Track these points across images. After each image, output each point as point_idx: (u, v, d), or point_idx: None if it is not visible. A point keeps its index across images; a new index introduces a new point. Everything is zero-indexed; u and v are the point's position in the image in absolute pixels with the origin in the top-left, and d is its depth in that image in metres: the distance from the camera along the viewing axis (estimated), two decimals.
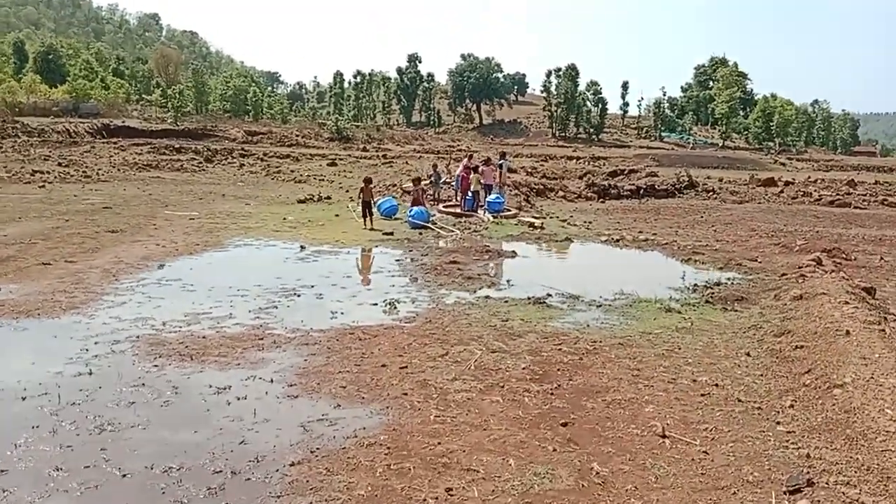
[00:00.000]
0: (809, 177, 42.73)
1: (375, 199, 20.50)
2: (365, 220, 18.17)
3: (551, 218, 22.77)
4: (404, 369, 7.04)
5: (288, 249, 14.68)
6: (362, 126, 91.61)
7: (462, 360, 7.39)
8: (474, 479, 4.82)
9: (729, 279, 12.64)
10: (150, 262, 12.72)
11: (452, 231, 18.07)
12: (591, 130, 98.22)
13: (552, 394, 6.50)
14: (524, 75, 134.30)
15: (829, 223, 24.34)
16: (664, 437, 5.58)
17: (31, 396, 6.11)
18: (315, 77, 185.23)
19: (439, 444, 5.37)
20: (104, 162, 36.86)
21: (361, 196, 18.60)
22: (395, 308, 9.75)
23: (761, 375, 7.10)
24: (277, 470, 4.88)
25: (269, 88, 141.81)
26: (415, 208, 18.83)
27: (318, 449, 5.23)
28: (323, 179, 34.16)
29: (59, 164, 33.89)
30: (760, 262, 14.64)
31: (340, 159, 42.33)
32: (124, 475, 4.78)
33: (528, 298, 10.48)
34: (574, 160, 54.43)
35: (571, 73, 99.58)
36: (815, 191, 33.95)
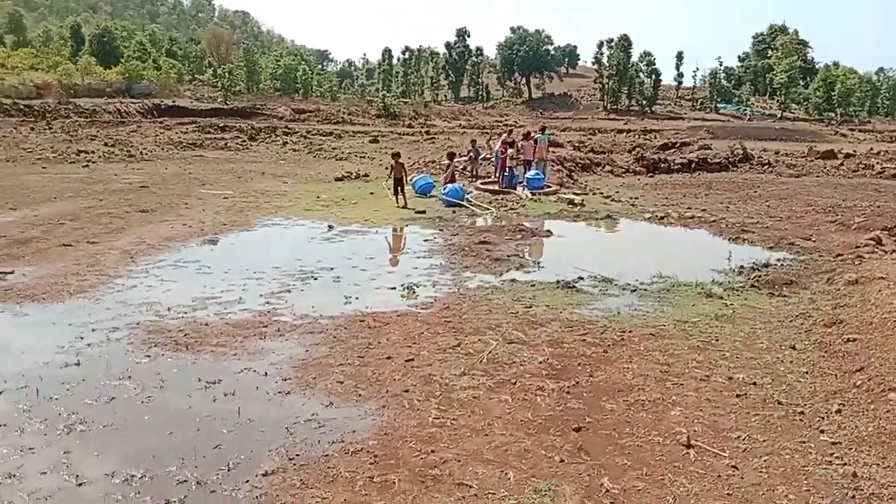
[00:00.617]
0: (872, 148, 40.53)
1: (410, 177, 19.97)
2: (397, 198, 17.65)
3: (594, 194, 21.89)
4: (410, 362, 6.50)
5: (315, 229, 14.28)
6: (410, 102, 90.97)
7: (475, 351, 6.81)
8: (464, 496, 4.27)
9: (779, 260, 11.74)
10: (173, 242, 12.45)
11: (487, 209, 17.42)
12: (644, 103, 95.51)
13: (568, 392, 5.88)
14: (575, 47, 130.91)
15: (891, 198, 22.82)
16: (689, 446, 4.93)
17: (9, 390, 5.78)
18: (364, 54, 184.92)
19: (433, 451, 4.82)
20: (149, 141, 37.17)
21: (392, 173, 18.04)
22: (414, 293, 9.22)
23: (807, 373, 6.34)
24: (248, 481, 4.41)
25: (319, 66, 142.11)
26: (449, 186, 18.23)
27: (297, 456, 4.74)
28: (364, 156, 33.76)
29: (105, 144, 34.27)
30: (814, 241, 13.64)
31: (383, 136, 41.88)
32: (80, 484, 4.37)
33: (557, 282, 9.83)
34: (624, 133, 52.92)
35: (624, 43, 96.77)
36: (878, 163, 32.13)
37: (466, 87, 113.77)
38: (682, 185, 27.26)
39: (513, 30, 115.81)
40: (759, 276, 10.20)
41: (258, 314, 8.06)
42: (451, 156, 21.61)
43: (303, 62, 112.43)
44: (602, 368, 6.44)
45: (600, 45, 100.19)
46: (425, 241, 13.28)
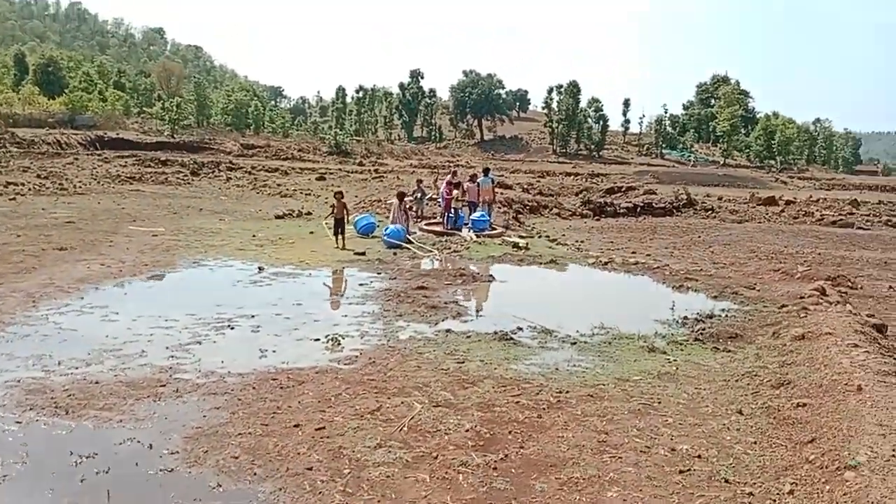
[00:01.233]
0: (811, 196, 41.51)
1: (353, 216, 19.33)
2: (337, 239, 16.96)
3: (540, 237, 21.54)
4: (320, 431, 5.77)
5: (244, 271, 13.46)
6: (363, 140, 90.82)
7: (396, 417, 6.12)
8: None
9: (723, 310, 11.37)
10: (84, 284, 11.50)
11: (430, 251, 16.84)
12: (592, 147, 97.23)
13: (495, 469, 5.23)
14: (526, 91, 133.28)
15: (831, 245, 23.11)
16: None
17: None
18: (318, 92, 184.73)
19: None
20: (86, 174, 35.79)
21: (333, 213, 17.36)
22: (339, 345, 8.50)
23: (755, 443, 5.81)
24: None
25: (272, 103, 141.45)
26: (391, 227, 17.60)
27: None
28: (310, 194, 32.99)
29: (38, 176, 32.79)
30: (759, 291, 13.37)
31: (331, 173, 41.24)
32: None
33: (495, 333, 9.22)
34: (572, 176, 53.31)
35: (573, 89, 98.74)
36: (817, 210, 32.76)
37: (420, 128, 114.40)
38: (627, 228, 27.21)
39: (465, 73, 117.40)
40: (703, 329, 9.76)
41: (159, 370, 7.23)
42: (400, 196, 21.00)
43: (255, 98, 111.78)
44: (534, 437, 5.81)
45: (550, 91, 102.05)
46: (360, 285, 12.59)
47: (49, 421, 5.84)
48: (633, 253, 20.06)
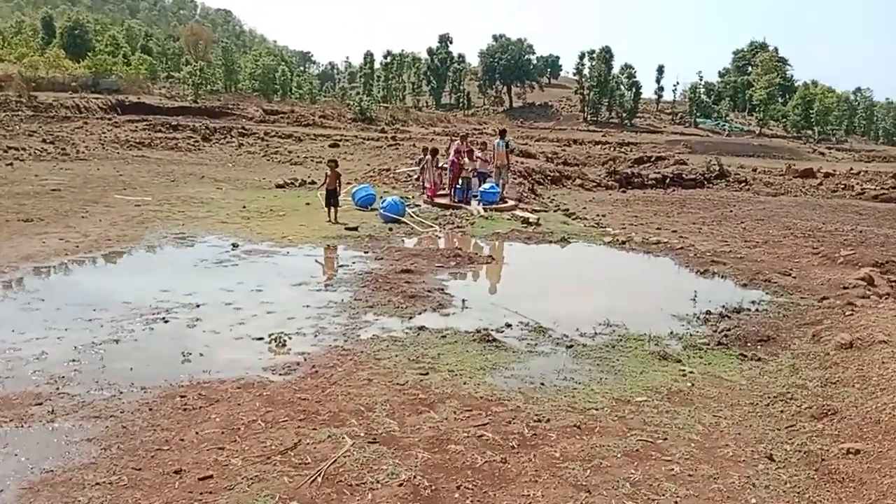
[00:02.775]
0: (851, 168, 39.04)
1: (351, 187, 17.87)
2: (329, 212, 15.53)
3: (556, 211, 19.91)
4: (205, 482, 4.35)
5: (215, 248, 12.11)
6: (389, 107, 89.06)
7: (314, 460, 4.68)
8: None
9: (754, 303, 9.72)
10: (27, 263, 10.23)
11: (430, 226, 15.34)
12: (624, 115, 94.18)
13: None
14: (557, 58, 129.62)
15: (873, 221, 21.17)
16: None
17: None
18: (347, 57, 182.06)
19: None
20: (93, 139, 34.71)
21: (325, 184, 15.89)
22: (283, 346, 7.07)
23: None
24: None
25: (301, 68, 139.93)
26: (388, 199, 16.08)
27: None
28: (320, 161, 31.46)
29: (44, 141, 31.81)
30: (795, 278, 11.67)
31: (346, 140, 39.71)
32: None
33: (476, 332, 7.72)
34: (600, 145, 51.15)
35: (605, 55, 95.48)
36: (858, 184, 30.60)
37: (448, 94, 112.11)
38: (654, 201, 25.43)
39: (495, 38, 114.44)
40: (729, 329, 8.15)
41: (45, 381, 5.88)
42: (433, 151, 19.22)
43: (282, 63, 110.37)
44: (491, 496, 4.33)
45: (582, 57, 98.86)
46: (339, 266, 11.16)
47: None
48: (658, 229, 18.40)
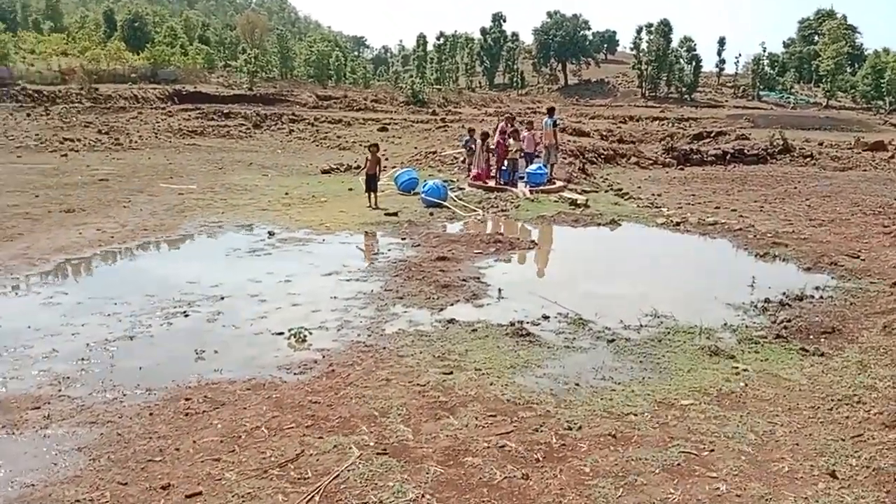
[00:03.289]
0: None
1: (394, 171, 17.44)
2: (369, 197, 15.15)
3: (607, 192, 19.09)
4: (192, 499, 3.97)
5: (251, 236, 11.87)
6: (442, 89, 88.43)
7: (314, 474, 4.26)
8: None
9: (818, 289, 8.91)
10: (60, 255, 10.13)
11: (474, 210, 14.81)
12: (684, 90, 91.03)
13: None
14: (614, 33, 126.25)
15: None
16: None
17: None
18: (401, 41, 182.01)
19: None
20: (147, 129, 35.18)
21: (366, 168, 15.50)
22: (303, 342, 6.69)
23: None
24: None
25: (355, 53, 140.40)
26: (429, 182, 15.58)
27: None
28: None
29: (99, 132, 32.34)
30: (864, 261, 10.74)
31: (395, 123, 39.29)
32: None
33: (510, 325, 7.20)
34: (658, 121, 49.50)
35: (664, 28, 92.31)
36: None
37: (501, 74, 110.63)
38: (713, 178, 24.30)
39: (549, 14, 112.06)
40: (789, 321, 7.40)
41: (49, 382, 5.62)
42: (484, 136, 18.62)
43: (336, 48, 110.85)
44: None
45: (639, 31, 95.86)
46: (375, 254, 10.74)
47: None
48: (716, 209, 17.47)
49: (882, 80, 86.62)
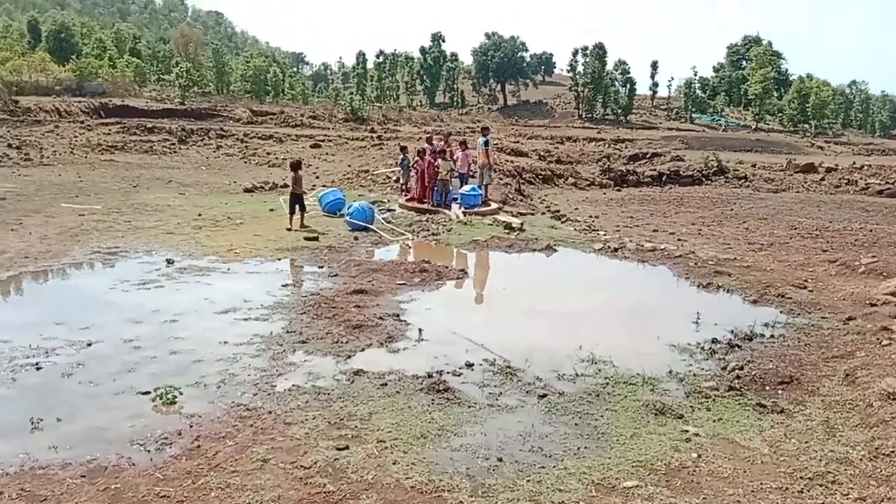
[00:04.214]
0: (854, 162, 37.44)
1: (316, 191, 16.28)
2: (291, 218, 13.99)
3: (544, 214, 18.33)
4: None
5: (146, 265, 10.53)
6: (383, 106, 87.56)
7: None
8: None
9: (767, 325, 8.16)
10: None
11: (403, 234, 13.79)
12: (619, 112, 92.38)
13: None
14: (551, 55, 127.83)
15: (882, 218, 19.77)
16: None
17: None
18: (340, 58, 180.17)
19: None
20: (64, 143, 33.11)
21: (292, 187, 14.36)
22: (171, 403, 5.50)
23: None
24: None
25: (293, 69, 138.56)
26: (354, 204, 14.48)
27: None
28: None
29: (9, 146, 30.15)
30: (811, 291, 10.13)
31: (329, 140, 38.03)
32: None
33: (427, 376, 6.16)
34: (595, 142, 49.52)
35: (599, 51, 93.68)
36: (862, 178, 29.08)
37: (442, 93, 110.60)
38: (650, 200, 23.93)
39: (487, 35, 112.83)
40: (741, 367, 6.56)
41: None
42: (421, 152, 17.53)
43: (274, 64, 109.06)
44: None
45: (575, 53, 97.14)
46: (283, 286, 9.55)
47: None
48: (654, 231, 16.92)
49: (807, 105, 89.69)
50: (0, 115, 43.74)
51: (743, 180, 28.73)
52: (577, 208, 21.31)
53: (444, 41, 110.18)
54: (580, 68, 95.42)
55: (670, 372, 6.53)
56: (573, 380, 6.28)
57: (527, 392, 5.97)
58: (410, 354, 6.89)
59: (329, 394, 5.76)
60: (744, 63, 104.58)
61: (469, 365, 6.58)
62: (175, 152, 33.59)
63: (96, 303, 8.38)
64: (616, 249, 12.68)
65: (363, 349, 6.94)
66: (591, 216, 19.54)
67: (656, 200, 23.93)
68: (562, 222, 17.39)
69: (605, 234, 15.50)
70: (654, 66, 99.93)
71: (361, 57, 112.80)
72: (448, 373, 6.33)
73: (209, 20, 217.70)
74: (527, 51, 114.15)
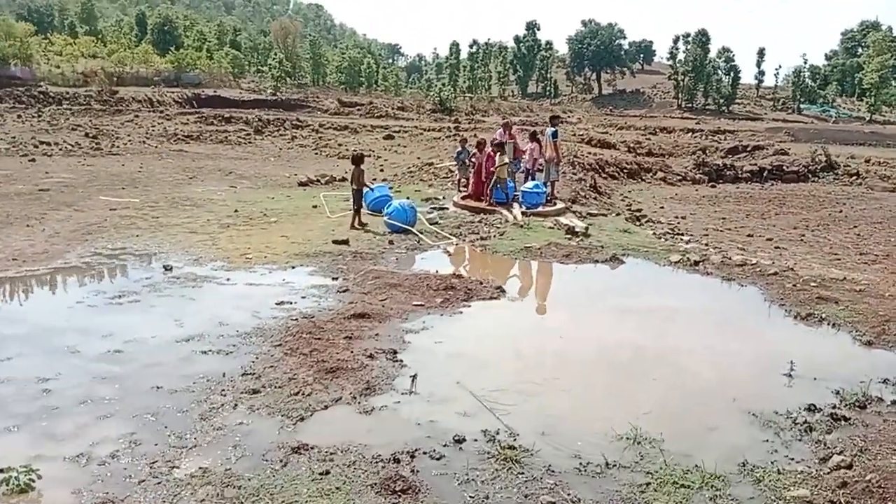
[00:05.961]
0: None
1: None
2: (355, 217, 12.66)
3: (619, 215, 16.13)
4: None
5: (138, 272, 9.28)
6: (473, 97, 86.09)
7: None
8: None
9: (886, 383, 5.96)
10: None
11: (447, 238, 12.07)
12: (721, 101, 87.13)
13: None
14: (651, 42, 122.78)
15: None
16: None
17: None
18: (434, 49, 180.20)
19: None
20: (140, 132, 33.21)
21: (352, 182, 12.95)
22: (19, 490, 3.97)
23: None
24: None
25: (388, 61, 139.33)
26: (395, 204, 12.80)
27: None
28: (370, 155, 28.63)
29: (86, 135, 30.37)
30: None
31: (405, 131, 36.63)
32: None
33: (393, 460, 4.42)
34: (692, 133, 46.15)
35: (701, 39, 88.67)
36: None
37: (535, 83, 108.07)
38: (748, 198, 21.29)
39: (584, 23, 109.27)
40: (849, 465, 4.47)
41: None
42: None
43: (368, 55, 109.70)
44: None
45: (676, 41, 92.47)
46: (276, 304, 7.98)
47: None
48: (749, 236, 14.60)
49: None
50: (95, 106, 44.95)
51: (855, 177, 25.42)
52: (662, 207, 19.01)
53: (538, 29, 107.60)
54: (681, 56, 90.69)
55: (744, 465, 4.52)
56: (599, 474, 4.39)
57: (525, 496, 4.12)
58: (386, 418, 5.14)
59: (241, 487, 4.10)
60: (860, 50, 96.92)
61: (458, 441, 4.77)
62: (249, 143, 33.03)
63: (41, 325, 7.04)
64: (696, 263, 10.49)
65: (326, 406, 5.25)
66: (676, 217, 17.25)
67: (755, 199, 21.26)
68: (639, 224, 15.22)
69: (688, 241, 13.30)
70: (761, 53, 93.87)
71: (455, 47, 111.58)
72: (426, 453, 4.57)
73: (309, 13, 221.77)
74: (625, 38, 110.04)
